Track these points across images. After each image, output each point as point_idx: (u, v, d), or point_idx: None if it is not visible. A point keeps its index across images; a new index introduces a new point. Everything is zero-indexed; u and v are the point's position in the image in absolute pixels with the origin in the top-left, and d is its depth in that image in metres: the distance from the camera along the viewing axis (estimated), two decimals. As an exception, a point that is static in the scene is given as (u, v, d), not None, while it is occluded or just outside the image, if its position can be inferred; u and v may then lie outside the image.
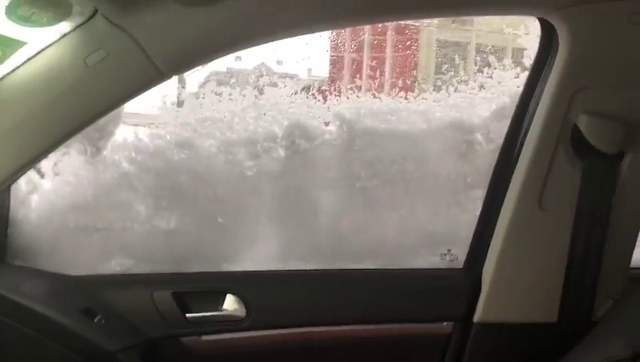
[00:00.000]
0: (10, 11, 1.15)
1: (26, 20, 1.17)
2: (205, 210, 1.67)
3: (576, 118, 1.52)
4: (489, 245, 1.63)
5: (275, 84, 1.75)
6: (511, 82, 1.74)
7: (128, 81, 1.30)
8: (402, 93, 1.78)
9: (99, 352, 1.41)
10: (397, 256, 1.75)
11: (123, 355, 1.43)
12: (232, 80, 1.79)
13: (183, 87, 1.87)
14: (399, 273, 1.75)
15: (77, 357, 1.39)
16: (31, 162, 1.34)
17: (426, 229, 1.76)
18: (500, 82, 1.76)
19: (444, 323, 1.68)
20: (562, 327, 1.59)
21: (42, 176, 1.63)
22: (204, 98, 1.70)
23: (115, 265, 1.63)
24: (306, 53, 1.87)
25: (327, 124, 1.73)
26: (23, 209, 1.59)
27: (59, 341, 1.38)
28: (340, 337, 1.66)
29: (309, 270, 1.71)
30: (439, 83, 1.81)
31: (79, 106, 1.30)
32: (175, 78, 1.45)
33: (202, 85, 1.82)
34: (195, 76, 1.93)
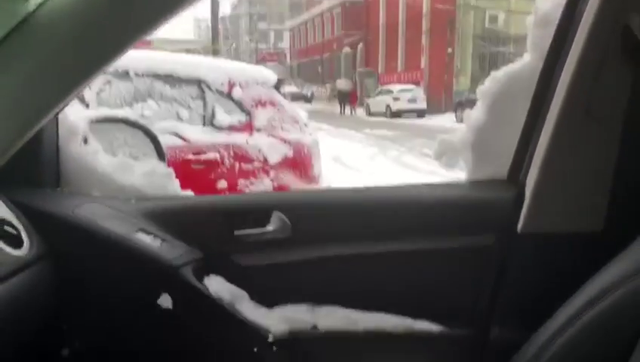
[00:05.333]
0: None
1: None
2: None
3: (628, 19, 1.43)
4: (533, 154, 1.60)
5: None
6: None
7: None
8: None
9: (154, 269, 1.49)
10: None
11: (177, 272, 1.51)
12: None
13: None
14: (441, 185, 1.75)
15: (133, 272, 1.47)
16: (74, 88, 1.36)
17: None
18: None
19: (484, 235, 1.64)
20: (608, 235, 1.56)
21: (87, 106, 1.68)
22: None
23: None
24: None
25: None
26: (72, 138, 1.65)
27: (116, 257, 1.46)
28: (383, 253, 1.65)
29: (354, 188, 1.73)
30: None
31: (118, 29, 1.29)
32: None
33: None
34: None
